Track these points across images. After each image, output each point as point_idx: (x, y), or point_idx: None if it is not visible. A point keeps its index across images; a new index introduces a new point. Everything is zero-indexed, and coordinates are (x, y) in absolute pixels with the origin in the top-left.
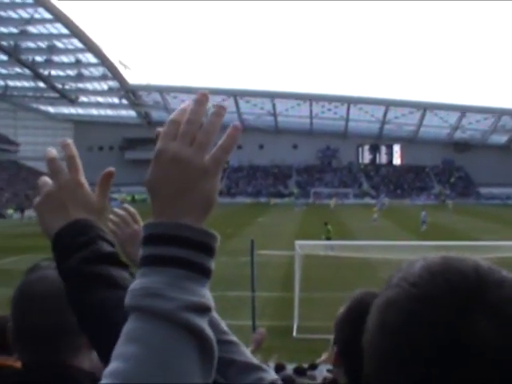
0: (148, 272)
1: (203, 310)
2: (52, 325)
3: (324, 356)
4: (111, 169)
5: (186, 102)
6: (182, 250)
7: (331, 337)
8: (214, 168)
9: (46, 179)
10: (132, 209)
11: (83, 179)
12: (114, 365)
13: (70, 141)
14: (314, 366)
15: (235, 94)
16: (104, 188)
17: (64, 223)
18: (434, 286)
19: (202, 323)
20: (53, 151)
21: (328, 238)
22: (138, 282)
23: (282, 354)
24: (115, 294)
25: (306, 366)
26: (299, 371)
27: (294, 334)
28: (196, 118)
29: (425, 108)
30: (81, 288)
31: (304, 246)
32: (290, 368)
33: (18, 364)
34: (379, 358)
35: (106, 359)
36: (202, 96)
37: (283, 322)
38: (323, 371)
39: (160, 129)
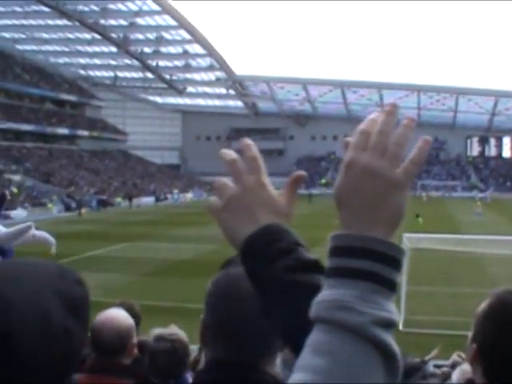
0: (336, 284)
1: (390, 325)
2: (255, 327)
3: (433, 352)
4: (302, 172)
5: (374, 113)
6: (372, 263)
7: (438, 331)
8: (405, 181)
9: (225, 181)
10: None
11: (267, 181)
12: (300, 376)
13: (250, 141)
14: (423, 362)
15: (342, 85)
16: (292, 190)
17: (254, 228)
18: None
19: (390, 339)
20: (232, 153)
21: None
22: (326, 294)
23: None
24: None
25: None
26: None
27: (401, 327)
28: (387, 129)
29: None
30: (287, 299)
31: (412, 239)
32: None
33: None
34: None
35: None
36: (392, 107)
37: None
38: (431, 367)
39: (348, 138)
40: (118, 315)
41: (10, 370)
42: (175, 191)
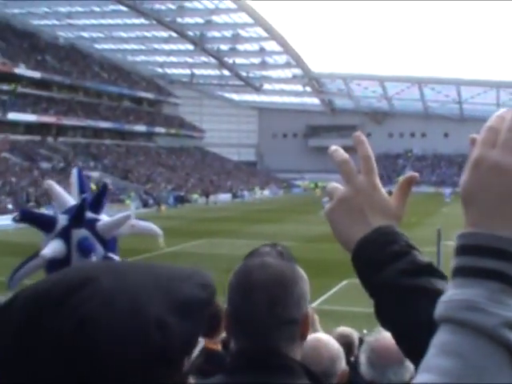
0: (464, 283)
1: None
2: (272, 314)
3: None
4: (415, 174)
5: (503, 109)
6: (501, 263)
7: None
8: None
9: (334, 184)
10: None
11: (379, 181)
12: (425, 377)
13: (364, 138)
14: None
15: (420, 82)
16: (405, 192)
17: (367, 231)
18: None
19: None
20: (342, 152)
21: None
22: (453, 293)
23: None
24: None
25: None
26: None
27: None
28: None
29: None
30: (401, 302)
31: None
32: None
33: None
34: None
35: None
36: None
37: None
38: None
39: (475, 135)
40: None
41: (90, 358)
42: (256, 188)
